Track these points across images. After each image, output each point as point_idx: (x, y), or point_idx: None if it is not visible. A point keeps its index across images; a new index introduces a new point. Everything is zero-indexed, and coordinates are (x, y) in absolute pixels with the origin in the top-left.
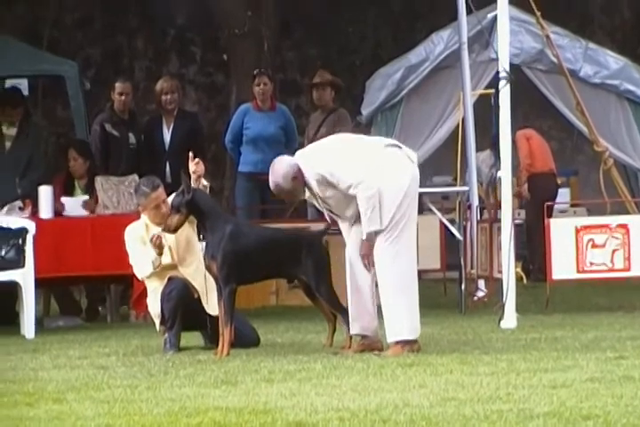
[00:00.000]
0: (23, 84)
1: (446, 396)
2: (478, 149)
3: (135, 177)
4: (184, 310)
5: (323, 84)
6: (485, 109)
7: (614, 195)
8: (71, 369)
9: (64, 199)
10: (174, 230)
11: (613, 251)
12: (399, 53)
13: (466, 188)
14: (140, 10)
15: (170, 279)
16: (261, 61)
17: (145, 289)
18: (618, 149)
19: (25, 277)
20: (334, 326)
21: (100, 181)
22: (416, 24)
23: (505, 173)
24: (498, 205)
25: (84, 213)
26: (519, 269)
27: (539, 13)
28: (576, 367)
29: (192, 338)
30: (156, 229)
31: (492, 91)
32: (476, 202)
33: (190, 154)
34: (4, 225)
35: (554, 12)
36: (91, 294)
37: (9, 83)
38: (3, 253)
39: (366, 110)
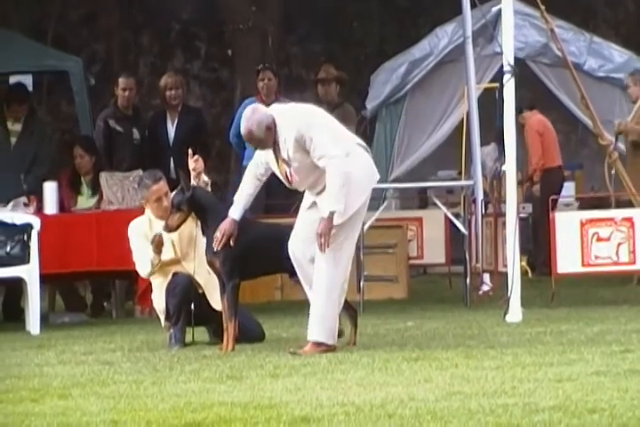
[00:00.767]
0: (28, 80)
1: (452, 390)
2: (483, 143)
3: (139, 172)
4: (189, 305)
5: (328, 79)
6: (490, 103)
7: (619, 188)
8: (76, 365)
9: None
10: (175, 229)
11: (618, 244)
12: (403, 48)
13: (471, 182)
14: (145, 6)
15: (174, 275)
16: (266, 56)
17: (150, 285)
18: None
19: (30, 273)
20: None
21: (104, 177)
22: (420, 18)
23: (509, 167)
24: (502, 199)
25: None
26: (524, 263)
27: (543, 7)
28: (581, 361)
29: (197, 333)
30: (160, 224)
31: (497, 85)
32: (480, 196)
33: (190, 151)
34: (9, 221)
35: (558, 6)
36: (96, 289)
37: (14, 79)
38: (8, 249)
39: (371, 104)
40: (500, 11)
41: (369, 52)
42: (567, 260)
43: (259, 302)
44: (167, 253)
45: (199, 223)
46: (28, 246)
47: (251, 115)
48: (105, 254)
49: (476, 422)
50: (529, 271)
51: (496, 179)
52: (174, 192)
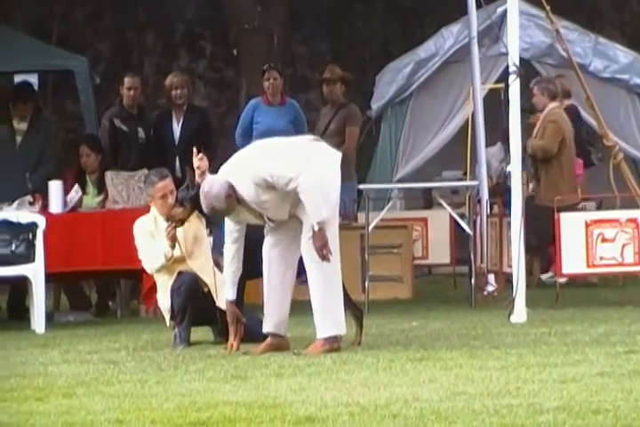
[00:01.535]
0: (34, 80)
1: (456, 390)
2: (488, 144)
3: (145, 172)
4: (194, 304)
5: (333, 79)
6: (495, 104)
7: (624, 189)
8: (81, 364)
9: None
10: (178, 221)
11: (623, 245)
12: (409, 48)
13: (476, 182)
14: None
15: (179, 274)
16: (271, 56)
17: (155, 284)
18: (628, 143)
19: (35, 271)
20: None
21: (109, 176)
22: (425, 19)
23: (515, 168)
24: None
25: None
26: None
27: (548, 8)
28: (586, 362)
29: (202, 333)
30: (165, 223)
31: (502, 85)
32: (485, 196)
33: (194, 149)
34: (15, 220)
35: (563, 7)
36: (101, 288)
37: (19, 78)
38: (13, 247)
39: (376, 105)
40: (505, 11)
41: (374, 52)
42: (572, 260)
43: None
44: (175, 251)
45: (204, 222)
46: (33, 245)
47: (207, 192)
48: (110, 254)
49: (481, 422)
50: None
51: (501, 179)
52: (180, 188)
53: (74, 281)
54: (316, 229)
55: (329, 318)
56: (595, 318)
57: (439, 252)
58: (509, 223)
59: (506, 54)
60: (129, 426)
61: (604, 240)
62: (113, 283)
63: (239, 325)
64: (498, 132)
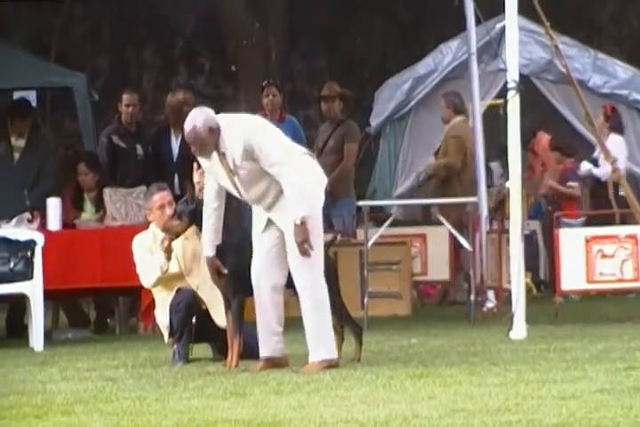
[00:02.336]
0: (32, 96)
1: (455, 407)
2: (487, 160)
3: (143, 188)
4: (192, 321)
5: (331, 96)
6: (494, 120)
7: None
8: (80, 381)
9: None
10: (174, 234)
11: (623, 261)
12: (407, 64)
13: (475, 198)
14: (149, 21)
15: (178, 291)
16: (270, 72)
17: (153, 301)
18: (627, 159)
19: (33, 289)
20: (342, 337)
21: (108, 193)
22: (424, 35)
23: (514, 184)
24: (506, 216)
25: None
26: (529, 280)
27: (547, 23)
28: (585, 378)
29: (200, 349)
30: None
31: (501, 101)
32: (485, 213)
33: (195, 164)
34: (13, 237)
35: (562, 23)
36: (99, 306)
37: (18, 95)
38: (11, 265)
39: (375, 121)
40: (504, 27)
41: (372, 68)
42: (571, 276)
43: None
44: (172, 267)
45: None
46: (32, 263)
47: (196, 114)
48: (108, 271)
49: None
50: (533, 289)
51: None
52: (179, 201)
53: (72, 298)
54: (298, 222)
55: (321, 343)
56: (594, 335)
57: (438, 268)
58: (508, 239)
59: (505, 70)
60: None
61: (603, 256)
62: (111, 300)
63: (238, 340)
64: (496, 149)
